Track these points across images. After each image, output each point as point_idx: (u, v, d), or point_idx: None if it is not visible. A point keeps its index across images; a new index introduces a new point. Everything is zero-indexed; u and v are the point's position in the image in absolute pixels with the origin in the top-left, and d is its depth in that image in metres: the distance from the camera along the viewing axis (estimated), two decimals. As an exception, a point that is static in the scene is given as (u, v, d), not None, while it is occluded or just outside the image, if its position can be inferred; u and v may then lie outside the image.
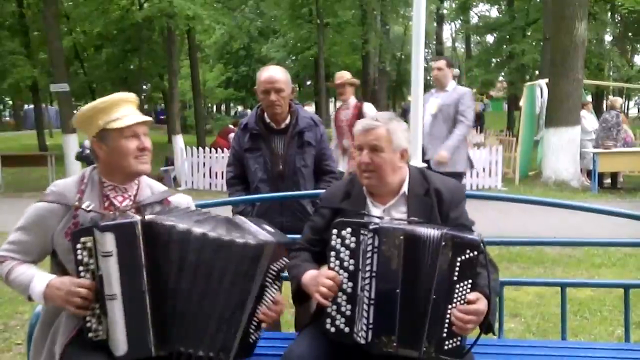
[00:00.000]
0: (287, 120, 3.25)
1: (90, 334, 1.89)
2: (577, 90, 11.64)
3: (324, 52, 20.36)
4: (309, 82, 40.51)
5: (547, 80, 12.27)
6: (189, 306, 1.88)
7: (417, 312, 1.90)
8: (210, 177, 12.34)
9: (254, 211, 3.24)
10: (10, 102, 40.00)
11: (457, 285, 1.86)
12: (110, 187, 2.08)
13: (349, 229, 1.95)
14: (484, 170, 11.76)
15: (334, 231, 1.97)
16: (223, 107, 50.05)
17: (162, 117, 35.02)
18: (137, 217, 1.89)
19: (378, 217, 2.07)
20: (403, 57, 34.95)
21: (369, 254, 1.91)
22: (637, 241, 4.18)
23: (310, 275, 2.06)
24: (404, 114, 16.11)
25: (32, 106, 27.75)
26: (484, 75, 24.21)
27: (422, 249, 1.90)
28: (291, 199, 3.16)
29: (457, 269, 1.85)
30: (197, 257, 1.87)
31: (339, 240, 1.96)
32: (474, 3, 27.77)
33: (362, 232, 1.93)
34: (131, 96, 2.11)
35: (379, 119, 2.19)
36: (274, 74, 3.16)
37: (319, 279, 1.98)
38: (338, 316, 1.96)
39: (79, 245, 1.86)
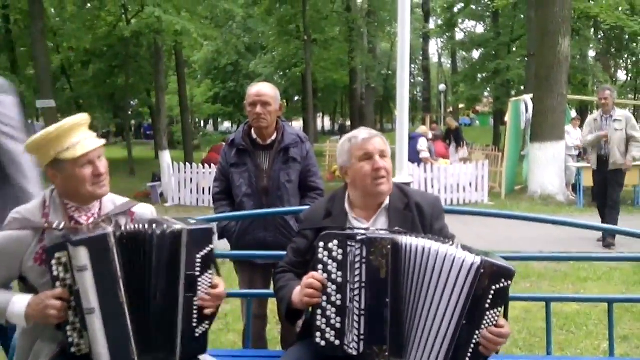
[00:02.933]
0: (274, 137, 3.28)
1: (72, 349, 1.88)
2: (562, 105, 11.79)
3: (311, 68, 20.46)
4: (296, 98, 40.69)
5: (531, 95, 12.42)
6: (158, 308, 1.93)
7: (415, 321, 1.91)
8: (198, 193, 12.29)
9: (238, 226, 3.26)
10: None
11: (489, 312, 1.87)
12: (74, 208, 2.05)
13: (335, 241, 1.95)
14: (470, 185, 11.83)
15: (321, 244, 1.96)
16: (211, 123, 50.06)
17: (149, 132, 34.96)
18: (110, 229, 1.89)
19: (364, 229, 2.06)
20: (390, 73, 35.23)
21: (357, 265, 1.91)
22: (622, 256, 4.20)
23: (296, 291, 2.07)
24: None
25: (17, 122, 27.46)
26: (470, 90, 24.45)
27: (416, 259, 1.90)
28: (275, 215, 3.16)
29: (490, 296, 1.85)
30: (157, 256, 1.92)
31: (325, 253, 1.95)
32: (460, 20, 28.08)
33: (349, 243, 1.93)
34: (82, 118, 2.02)
35: (369, 130, 2.26)
36: (263, 88, 3.24)
37: (303, 285, 1.99)
38: (328, 329, 1.95)
39: (53, 262, 1.84)
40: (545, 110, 11.62)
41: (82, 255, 1.82)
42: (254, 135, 3.28)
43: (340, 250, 1.94)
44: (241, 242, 3.24)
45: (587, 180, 10.88)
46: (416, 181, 11.43)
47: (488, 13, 24.96)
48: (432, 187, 11.55)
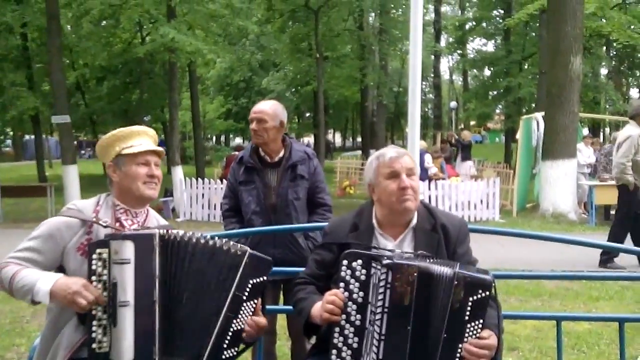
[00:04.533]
0: (281, 154, 3.33)
1: (94, 345, 1.93)
2: (573, 123, 11.77)
3: (323, 85, 20.60)
4: (308, 114, 40.90)
5: (543, 113, 12.42)
6: (189, 316, 1.99)
7: (426, 349, 1.90)
8: (209, 208, 12.36)
9: (247, 242, 3.30)
10: (11, 133, 40.29)
11: (469, 325, 1.87)
12: (122, 210, 2.23)
13: (360, 261, 1.94)
14: (481, 202, 11.81)
15: (345, 262, 1.96)
16: (223, 138, 50.36)
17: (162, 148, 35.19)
18: (156, 230, 2.01)
19: (389, 251, 2.07)
20: (401, 90, 35.34)
21: (381, 289, 1.90)
22: (634, 275, 4.19)
23: (317, 306, 2.07)
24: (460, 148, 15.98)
25: (32, 137, 27.88)
26: (481, 108, 24.48)
27: (435, 286, 1.90)
28: (284, 232, 3.20)
29: (469, 308, 1.85)
30: (195, 264, 2.01)
31: (349, 271, 1.95)
32: (471, 38, 28.21)
33: (373, 265, 1.93)
34: (150, 131, 2.32)
35: (398, 148, 2.29)
36: (262, 105, 3.33)
37: (324, 302, 1.99)
38: (344, 348, 1.94)
39: (94, 256, 1.96)
40: (557, 128, 11.61)
41: (128, 249, 1.93)
42: (262, 153, 3.34)
43: (364, 271, 1.94)
44: None
45: (600, 199, 10.86)
46: (426, 198, 11.43)
47: (499, 31, 25.02)
48: (443, 204, 11.54)
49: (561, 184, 11.59)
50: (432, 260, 1.99)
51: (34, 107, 18.54)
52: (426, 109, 43.68)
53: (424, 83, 47.36)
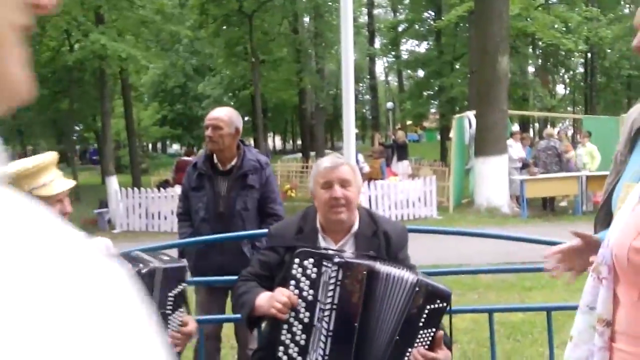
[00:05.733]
0: (233, 162, 3.30)
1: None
2: (503, 120, 12.22)
3: (259, 89, 20.53)
4: (247, 118, 40.61)
5: (474, 111, 12.83)
6: None
7: (374, 347, 1.95)
8: (147, 218, 12.08)
9: (194, 250, 3.29)
10: None
11: (422, 331, 1.92)
12: None
13: (311, 260, 1.98)
14: (419, 200, 12.07)
15: (296, 260, 1.99)
16: (159, 146, 49.36)
17: (95, 158, 34.15)
18: None
19: (339, 251, 2.10)
20: (339, 92, 35.66)
21: (331, 287, 1.94)
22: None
23: (264, 295, 2.07)
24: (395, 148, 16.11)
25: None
26: (416, 108, 25.03)
27: (389, 287, 1.95)
28: (226, 240, 3.19)
29: (424, 315, 1.91)
30: None
31: (300, 269, 1.98)
32: (404, 39, 28.81)
33: (324, 263, 1.97)
34: (52, 157, 2.08)
35: (339, 157, 2.32)
36: (217, 112, 3.32)
37: (275, 296, 2.00)
38: (292, 344, 1.97)
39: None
40: (488, 125, 12.02)
41: None
42: (215, 160, 3.32)
43: (315, 269, 1.98)
44: (198, 265, 3.25)
45: (531, 192, 11.33)
46: (366, 199, 11.58)
47: (431, 33, 25.67)
48: (383, 204, 11.73)
49: (494, 179, 11.99)
50: (384, 262, 2.04)
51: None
52: (364, 110, 44.21)
53: (360, 85, 47.89)
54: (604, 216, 1.82)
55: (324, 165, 2.24)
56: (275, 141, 60.40)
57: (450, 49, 23.58)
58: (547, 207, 12.21)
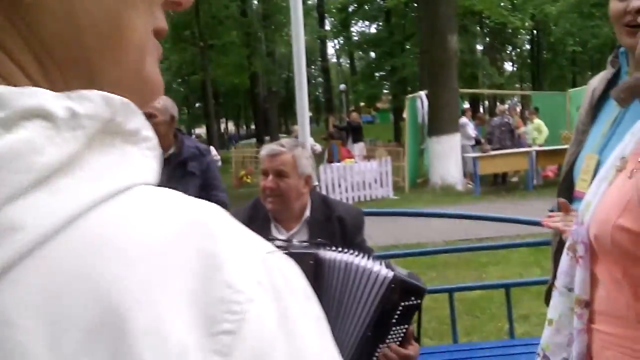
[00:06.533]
0: (171, 150, 3.19)
1: None
2: (454, 99, 12.38)
3: (210, 74, 20.18)
4: (198, 105, 39.97)
5: (426, 91, 12.94)
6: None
7: (340, 341, 1.87)
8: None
9: None
10: None
11: (394, 328, 1.85)
12: None
13: None
14: (375, 181, 12.13)
15: None
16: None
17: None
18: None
19: (285, 241, 2.05)
20: (291, 75, 35.49)
21: None
22: (518, 242, 4.48)
23: None
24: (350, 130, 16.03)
25: None
26: (369, 89, 25.12)
27: (346, 276, 1.87)
28: None
29: (398, 312, 1.83)
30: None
31: None
32: (354, 20, 28.79)
33: None
34: None
35: (284, 144, 2.21)
36: None
37: None
38: None
39: None
40: (440, 104, 12.15)
41: None
42: None
43: None
44: None
45: (483, 169, 11.54)
46: (322, 182, 11.56)
47: (381, 13, 25.70)
48: (340, 186, 11.74)
49: (448, 158, 12.17)
50: (327, 246, 1.98)
51: None
52: (317, 93, 44.16)
53: (312, 67, 47.75)
54: (566, 188, 1.80)
55: (263, 153, 2.21)
56: (228, 127, 59.84)
57: (400, 29, 23.67)
58: (498, 183, 12.48)
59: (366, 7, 26.50)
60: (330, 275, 1.89)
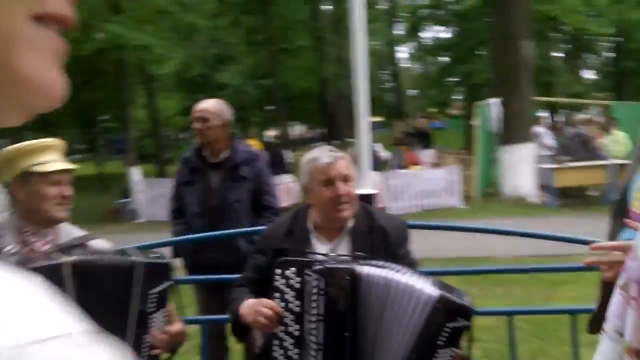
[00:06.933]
0: (225, 154, 3.21)
1: None
2: (528, 107, 11.90)
3: (280, 77, 20.37)
4: (270, 108, 40.52)
5: (499, 98, 12.51)
6: None
7: (364, 356, 1.80)
8: (170, 208, 12.09)
9: (188, 246, 3.20)
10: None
11: (440, 351, 1.76)
12: (30, 233, 2.03)
13: (293, 269, 1.85)
14: (443, 190, 11.83)
15: (278, 271, 1.87)
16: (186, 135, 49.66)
17: (120, 147, 34.46)
18: (64, 259, 1.82)
19: (322, 255, 1.98)
20: (361, 79, 35.34)
21: (314, 297, 1.81)
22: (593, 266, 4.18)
23: (248, 304, 1.96)
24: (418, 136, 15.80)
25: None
26: (439, 95, 24.60)
27: (387, 293, 1.79)
28: (224, 237, 3.09)
29: (444, 334, 1.75)
30: (105, 287, 1.83)
31: (283, 280, 1.86)
32: (426, 25, 28.27)
33: (306, 272, 1.83)
34: (58, 143, 2.09)
35: (332, 150, 2.17)
36: (205, 104, 3.24)
37: (257, 307, 1.89)
38: None
39: None
40: (512, 113, 11.73)
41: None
42: (205, 153, 3.23)
43: (298, 279, 1.85)
44: (192, 262, 3.18)
45: (559, 181, 11.01)
46: (387, 189, 11.39)
47: (454, 17, 25.14)
48: (405, 193, 11.53)
49: (520, 168, 11.71)
50: (367, 260, 1.89)
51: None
52: (387, 98, 43.83)
53: (384, 72, 47.39)
54: (621, 207, 1.62)
55: (324, 161, 2.10)
56: (300, 130, 60.38)
57: (473, 34, 23.04)
58: (573, 196, 11.87)
59: (438, 11, 26.01)
60: (369, 292, 1.81)
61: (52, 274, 1.75)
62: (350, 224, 2.14)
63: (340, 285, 1.80)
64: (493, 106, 12.68)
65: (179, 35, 18.98)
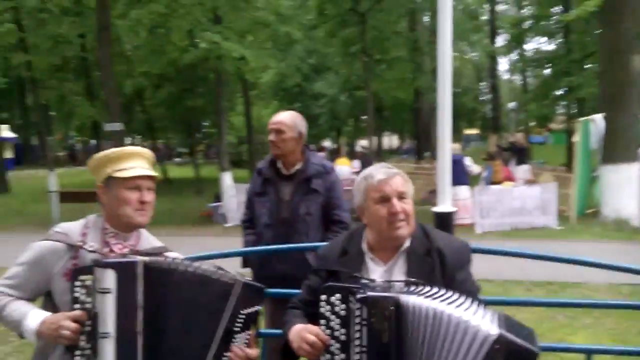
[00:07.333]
0: (298, 166, 3.22)
1: None
2: (634, 125, 11.11)
3: (371, 88, 20.35)
4: (364, 117, 40.59)
5: (603, 114, 11.78)
6: (177, 348, 1.85)
7: None
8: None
9: (257, 257, 3.21)
10: (77, 138, 42.35)
11: None
12: (112, 235, 2.13)
13: (338, 295, 1.79)
14: (537, 208, 11.27)
15: (323, 297, 1.81)
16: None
17: (216, 153, 35.77)
18: (139, 258, 1.90)
19: (369, 280, 1.90)
20: (459, 91, 34.64)
21: (357, 327, 1.73)
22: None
23: (295, 330, 1.92)
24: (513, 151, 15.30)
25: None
26: (540, 109, 23.53)
27: (435, 326, 1.67)
28: (294, 250, 3.06)
29: None
30: (183, 294, 1.87)
31: (328, 307, 1.80)
32: (529, 36, 27.18)
33: (350, 299, 1.76)
34: (145, 152, 2.19)
35: (388, 167, 2.10)
36: (280, 116, 3.25)
37: (302, 333, 1.84)
38: None
39: (77, 283, 1.86)
40: (617, 130, 11.01)
41: (109, 278, 1.83)
42: (279, 165, 3.24)
43: (343, 306, 1.78)
44: (261, 273, 3.18)
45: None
46: (476, 205, 11.02)
47: (559, 29, 23.99)
48: (495, 210, 11.10)
49: (623, 188, 10.96)
50: (421, 286, 1.79)
51: (89, 115, 19.20)
52: (485, 110, 42.64)
53: (482, 84, 46.09)
54: None
55: (378, 178, 2.03)
56: (392, 140, 60.02)
57: (579, 46, 21.87)
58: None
59: (543, 22, 24.92)
60: (416, 324, 1.69)
61: (124, 270, 1.85)
62: (406, 244, 2.04)
63: (383, 316, 1.70)
64: (596, 122, 11.95)
65: (276, 46, 19.45)
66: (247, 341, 1.92)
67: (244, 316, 1.90)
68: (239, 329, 1.89)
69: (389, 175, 2.03)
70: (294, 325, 1.97)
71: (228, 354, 1.88)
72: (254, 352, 1.95)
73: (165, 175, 23.93)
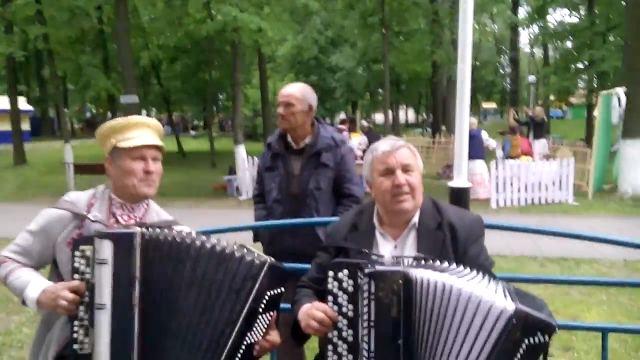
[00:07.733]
0: (307, 140, 3.15)
1: (75, 346, 1.85)
2: (658, 99, 10.88)
3: (388, 61, 20.07)
4: (380, 91, 40.24)
5: (624, 88, 11.52)
6: (183, 323, 1.80)
7: None
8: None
9: (267, 232, 3.18)
10: (94, 111, 42.58)
11: None
12: (119, 205, 2.12)
13: (345, 271, 1.74)
14: (553, 183, 11.15)
15: (331, 273, 1.77)
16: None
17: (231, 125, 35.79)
18: (137, 229, 1.87)
19: (378, 256, 1.87)
20: (478, 64, 34.15)
21: (365, 301, 1.70)
22: None
23: (303, 309, 1.89)
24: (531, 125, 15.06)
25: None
26: (561, 82, 23.08)
27: (444, 300, 1.63)
28: (303, 225, 3.03)
29: (521, 351, 1.56)
30: (195, 271, 1.81)
31: (335, 283, 1.76)
32: (552, 8, 26.56)
33: (359, 275, 1.72)
34: (152, 122, 2.16)
35: (397, 139, 2.04)
36: (290, 88, 3.16)
37: (310, 310, 1.81)
38: None
39: (77, 253, 1.85)
40: (638, 104, 10.76)
41: (106, 249, 1.82)
42: (289, 139, 3.18)
43: (350, 281, 1.74)
44: (271, 248, 3.15)
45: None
46: (492, 180, 10.93)
47: (583, 0, 23.41)
48: (512, 185, 11.00)
49: (642, 164, 10.78)
50: (432, 260, 1.76)
51: (106, 87, 19.24)
52: (504, 84, 42.07)
53: (501, 56, 45.38)
54: None
55: (382, 149, 1.97)
56: (408, 114, 59.55)
57: (604, 19, 21.32)
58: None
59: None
60: (424, 299, 1.65)
61: (121, 241, 1.83)
62: (416, 219, 1.99)
63: (391, 290, 1.66)
64: (618, 96, 11.71)
65: (293, 18, 19.21)
66: (268, 323, 1.88)
67: (268, 297, 1.85)
68: (262, 309, 1.84)
69: (394, 147, 1.97)
70: (301, 305, 1.95)
71: (251, 334, 1.83)
72: (276, 337, 1.93)
73: (180, 148, 24.00)
